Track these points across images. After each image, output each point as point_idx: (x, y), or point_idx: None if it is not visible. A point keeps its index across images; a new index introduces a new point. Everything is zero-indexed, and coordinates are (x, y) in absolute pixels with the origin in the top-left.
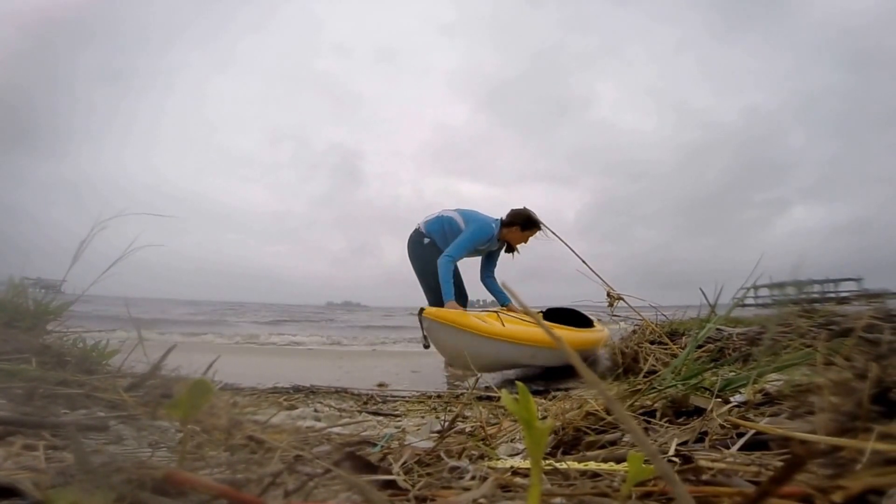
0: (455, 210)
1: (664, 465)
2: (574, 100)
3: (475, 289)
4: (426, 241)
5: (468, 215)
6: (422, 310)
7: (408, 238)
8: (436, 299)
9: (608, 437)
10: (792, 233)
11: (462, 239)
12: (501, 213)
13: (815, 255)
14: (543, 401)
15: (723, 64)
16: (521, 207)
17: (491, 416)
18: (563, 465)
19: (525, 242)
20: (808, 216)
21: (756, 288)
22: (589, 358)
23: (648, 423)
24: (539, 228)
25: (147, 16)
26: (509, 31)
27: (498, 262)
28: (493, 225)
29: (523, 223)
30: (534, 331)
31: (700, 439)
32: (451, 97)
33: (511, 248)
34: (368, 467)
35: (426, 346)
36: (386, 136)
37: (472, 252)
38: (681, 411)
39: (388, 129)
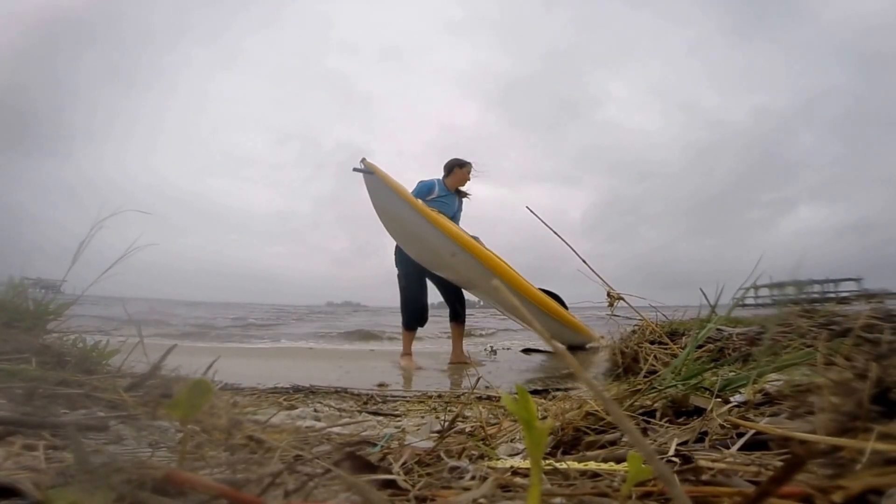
0: None
1: (661, 465)
2: (582, 100)
3: None
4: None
5: None
6: (364, 158)
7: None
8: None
9: (608, 437)
10: (796, 233)
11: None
12: (504, 213)
13: (818, 255)
14: (543, 401)
15: (732, 64)
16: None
17: (491, 416)
18: (563, 465)
19: (469, 179)
20: (812, 216)
21: (756, 288)
22: (552, 331)
23: (648, 423)
24: (469, 163)
25: (150, 13)
26: (519, 31)
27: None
28: (436, 181)
29: (459, 164)
30: (466, 237)
31: (700, 439)
32: (460, 96)
33: (462, 194)
34: (368, 467)
35: (357, 169)
36: (393, 135)
37: (428, 203)
38: (681, 411)
39: (396, 128)
